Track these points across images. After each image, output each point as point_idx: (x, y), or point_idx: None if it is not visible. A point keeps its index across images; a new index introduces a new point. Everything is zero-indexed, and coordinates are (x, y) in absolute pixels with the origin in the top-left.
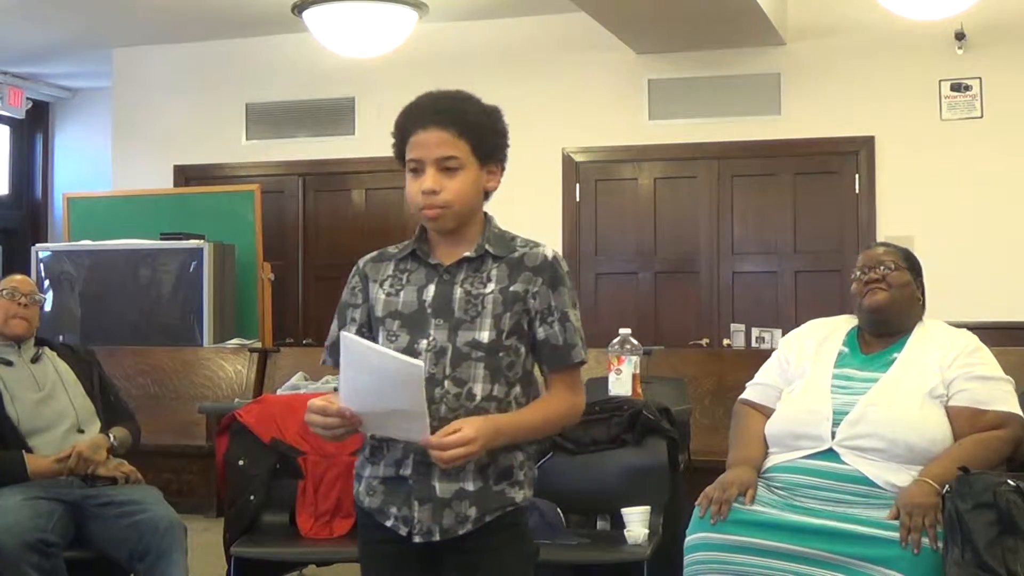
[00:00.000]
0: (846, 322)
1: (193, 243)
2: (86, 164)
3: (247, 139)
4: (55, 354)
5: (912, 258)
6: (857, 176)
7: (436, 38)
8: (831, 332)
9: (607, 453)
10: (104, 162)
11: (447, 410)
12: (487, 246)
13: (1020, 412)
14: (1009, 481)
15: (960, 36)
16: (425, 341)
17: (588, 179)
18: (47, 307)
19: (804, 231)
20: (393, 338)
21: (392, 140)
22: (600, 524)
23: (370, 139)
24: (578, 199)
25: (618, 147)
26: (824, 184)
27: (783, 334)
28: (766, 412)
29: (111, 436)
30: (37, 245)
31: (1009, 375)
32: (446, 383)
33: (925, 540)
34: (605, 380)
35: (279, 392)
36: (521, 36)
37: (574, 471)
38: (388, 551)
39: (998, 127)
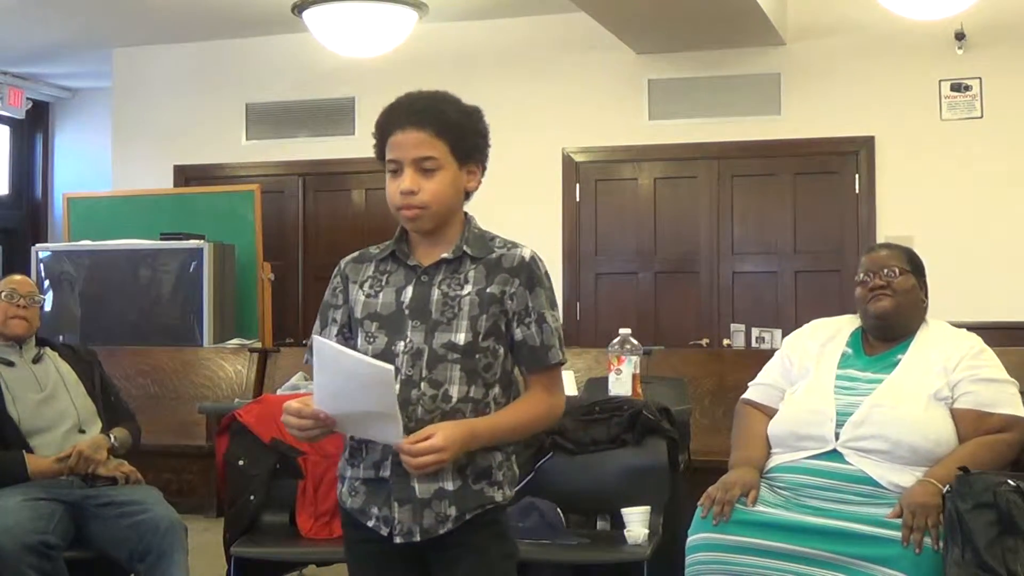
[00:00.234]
0: (849, 322)
1: (193, 243)
2: (86, 164)
3: (247, 139)
4: (56, 354)
5: (916, 259)
6: (857, 176)
7: (436, 38)
8: (835, 333)
9: (607, 453)
10: (104, 162)
11: (424, 412)
12: (465, 247)
13: None
14: (1009, 481)
15: (960, 36)
16: (402, 343)
17: (588, 179)
18: (47, 307)
19: (804, 231)
20: (371, 340)
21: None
22: (600, 524)
23: (370, 139)
24: (578, 199)
25: (618, 147)
26: (824, 184)
27: (783, 334)
28: (769, 412)
29: (111, 436)
30: (37, 245)
31: (1009, 375)
32: (423, 385)
33: (927, 540)
34: (605, 380)
35: (279, 392)
36: (521, 36)
37: (574, 471)
38: (371, 551)
39: (998, 127)
